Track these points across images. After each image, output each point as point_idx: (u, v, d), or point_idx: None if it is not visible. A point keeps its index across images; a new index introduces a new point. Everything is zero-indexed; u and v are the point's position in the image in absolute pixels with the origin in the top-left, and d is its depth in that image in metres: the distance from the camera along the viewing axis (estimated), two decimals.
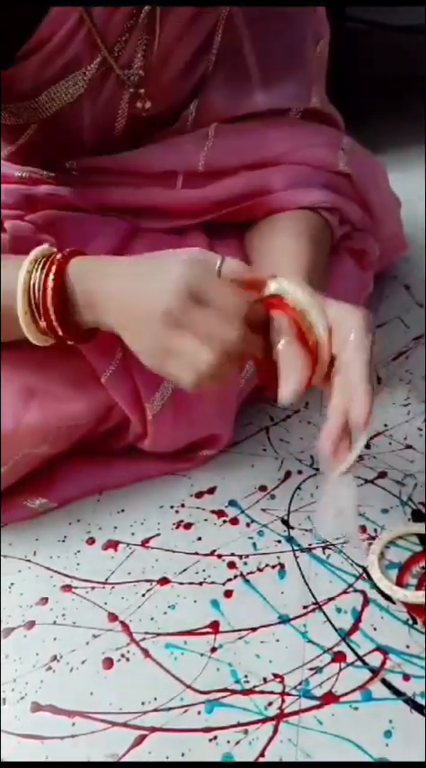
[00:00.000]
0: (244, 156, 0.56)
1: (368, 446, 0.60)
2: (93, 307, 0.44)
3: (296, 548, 0.52)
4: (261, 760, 0.42)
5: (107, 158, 0.55)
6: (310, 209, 0.57)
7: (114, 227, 0.56)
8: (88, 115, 0.52)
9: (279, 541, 0.53)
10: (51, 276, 0.43)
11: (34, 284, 0.43)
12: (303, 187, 0.57)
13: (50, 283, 0.43)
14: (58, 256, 0.44)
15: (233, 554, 0.53)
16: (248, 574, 0.51)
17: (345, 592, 0.49)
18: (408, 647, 0.46)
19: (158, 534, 0.55)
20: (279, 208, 0.57)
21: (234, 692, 0.45)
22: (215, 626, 0.49)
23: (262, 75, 0.55)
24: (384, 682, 0.44)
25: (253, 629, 0.48)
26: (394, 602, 0.48)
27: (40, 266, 0.44)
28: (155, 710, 0.45)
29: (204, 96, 0.56)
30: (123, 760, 0.43)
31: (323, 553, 0.52)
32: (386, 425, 0.61)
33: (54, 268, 0.43)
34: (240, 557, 0.52)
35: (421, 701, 0.43)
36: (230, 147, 0.55)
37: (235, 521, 0.55)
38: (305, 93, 0.58)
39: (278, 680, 0.45)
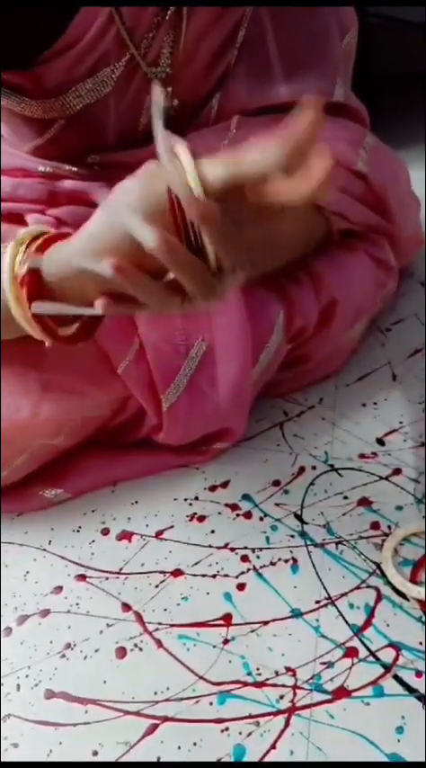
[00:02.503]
0: None
1: (382, 443, 0.60)
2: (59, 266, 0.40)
3: (309, 543, 0.53)
4: (272, 752, 0.42)
5: (129, 153, 0.55)
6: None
7: None
8: (114, 112, 0.52)
9: (293, 536, 0.53)
10: (26, 265, 0.40)
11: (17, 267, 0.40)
12: None
13: (23, 270, 0.40)
14: (36, 243, 0.41)
15: (246, 547, 0.53)
16: (261, 567, 0.51)
17: (358, 587, 0.49)
18: (421, 643, 0.46)
19: (172, 526, 0.55)
20: None
21: (246, 684, 0.45)
22: (227, 618, 0.49)
23: (285, 67, 0.55)
24: (396, 678, 0.44)
25: (266, 623, 0.48)
26: (407, 599, 0.48)
27: (25, 248, 0.41)
28: (168, 700, 0.45)
29: (227, 89, 0.55)
30: (135, 749, 0.43)
31: (337, 549, 0.52)
32: (401, 423, 0.61)
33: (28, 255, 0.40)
34: (253, 550, 0.53)
35: None
36: (252, 138, 0.55)
37: (248, 515, 0.55)
38: (328, 85, 0.57)
39: (290, 673, 0.45)
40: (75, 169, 0.56)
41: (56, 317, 0.41)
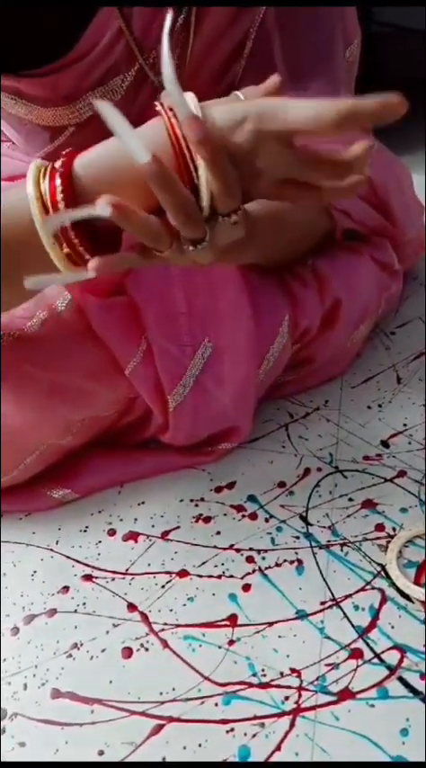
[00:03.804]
0: None
1: (387, 445, 0.60)
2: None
3: (314, 544, 0.53)
4: (277, 753, 0.42)
5: None
6: None
7: None
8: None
9: (298, 537, 0.53)
10: (58, 177, 0.38)
11: (44, 191, 0.38)
12: None
13: (58, 182, 0.37)
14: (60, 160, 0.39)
15: (251, 549, 0.53)
16: (266, 569, 0.52)
17: (363, 589, 0.49)
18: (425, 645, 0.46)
19: (178, 527, 0.56)
20: None
21: (251, 685, 0.46)
22: (233, 619, 0.49)
23: (291, 77, 0.55)
24: (401, 680, 0.45)
25: (271, 624, 0.48)
26: (412, 601, 0.48)
27: (44, 175, 0.39)
28: (173, 701, 0.45)
29: None
30: (141, 749, 0.43)
31: (342, 550, 0.52)
32: (405, 425, 0.61)
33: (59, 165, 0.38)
34: (258, 551, 0.53)
35: None
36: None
37: (253, 516, 0.56)
38: (332, 95, 0.57)
39: (295, 675, 0.46)
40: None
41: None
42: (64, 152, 0.39)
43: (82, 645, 0.49)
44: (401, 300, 0.73)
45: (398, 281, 0.69)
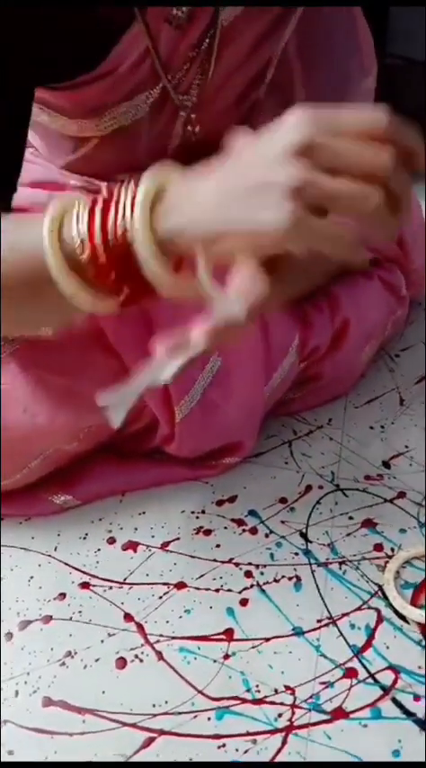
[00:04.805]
0: None
1: (388, 466, 0.60)
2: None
3: (313, 561, 0.53)
4: None
5: None
6: None
7: None
8: (145, 135, 0.54)
9: (297, 554, 0.53)
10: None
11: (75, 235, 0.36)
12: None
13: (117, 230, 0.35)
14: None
15: (250, 563, 0.53)
16: (264, 584, 0.52)
17: (360, 608, 0.49)
18: (420, 667, 0.46)
19: (178, 539, 0.56)
20: None
21: (244, 700, 0.45)
22: (229, 633, 0.49)
23: (310, 105, 0.57)
24: (394, 701, 0.44)
25: (267, 640, 0.48)
26: (408, 622, 0.48)
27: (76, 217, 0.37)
28: (166, 714, 0.45)
29: (254, 122, 0.57)
30: (131, 761, 0.43)
31: (340, 569, 0.52)
32: (406, 446, 0.62)
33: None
34: (257, 566, 0.53)
35: None
36: None
37: (254, 530, 0.56)
38: None
39: (289, 692, 0.45)
40: (105, 185, 0.58)
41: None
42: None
43: (76, 653, 0.49)
44: (406, 325, 0.74)
45: (404, 306, 0.70)
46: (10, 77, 0.44)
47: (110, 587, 0.53)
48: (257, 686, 0.46)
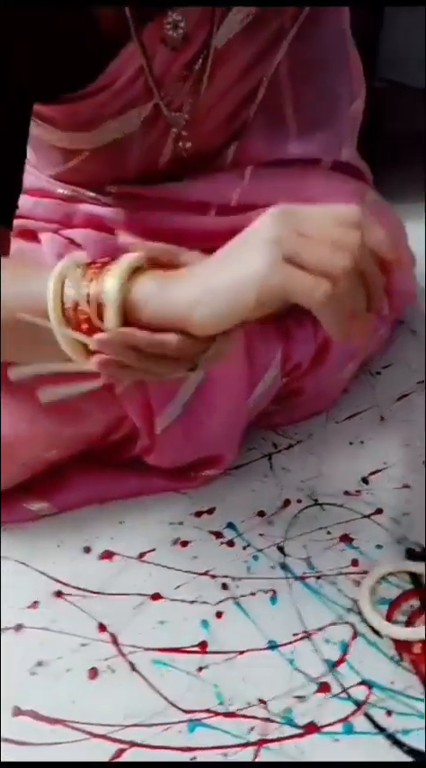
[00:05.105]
0: (275, 197, 0.58)
1: (367, 482, 0.61)
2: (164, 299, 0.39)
3: (289, 575, 0.53)
4: None
5: (147, 188, 0.58)
6: None
7: None
8: (136, 149, 0.55)
9: (274, 567, 0.53)
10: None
11: (78, 298, 0.39)
12: None
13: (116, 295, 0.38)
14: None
15: (227, 576, 0.53)
16: (240, 597, 0.52)
17: (335, 623, 0.49)
18: (393, 683, 0.46)
19: (154, 549, 0.55)
20: None
21: (217, 713, 0.45)
22: (203, 646, 0.49)
23: (299, 126, 0.59)
24: (366, 716, 0.44)
25: (241, 653, 0.48)
26: (382, 638, 0.48)
27: (79, 278, 0.40)
28: (137, 725, 0.45)
29: (244, 141, 0.59)
30: None
31: (316, 583, 0.52)
32: (385, 463, 0.62)
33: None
34: (233, 579, 0.53)
35: (402, 738, 0.43)
36: (263, 188, 0.58)
37: (231, 543, 0.56)
38: (336, 146, 0.61)
39: (262, 705, 0.45)
40: (92, 195, 0.58)
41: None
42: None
43: (47, 663, 0.48)
44: (388, 343, 0.75)
45: (386, 326, 0.71)
46: (9, 94, 0.44)
47: (85, 596, 0.52)
48: (230, 699, 0.46)
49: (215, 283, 0.38)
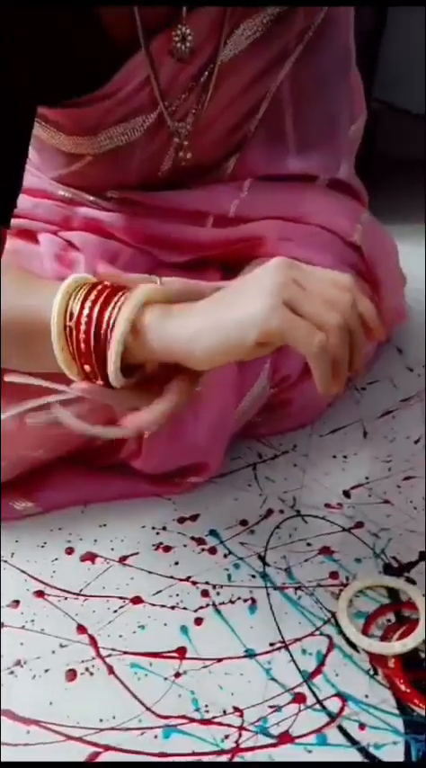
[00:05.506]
0: (271, 210, 0.60)
1: (348, 495, 0.62)
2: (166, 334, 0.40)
3: (269, 585, 0.54)
4: None
5: (147, 194, 0.58)
6: None
7: (143, 260, 0.58)
8: (138, 157, 0.55)
9: (254, 576, 0.54)
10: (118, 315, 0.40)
11: (83, 319, 0.40)
12: (315, 248, 0.60)
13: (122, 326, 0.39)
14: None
15: (207, 582, 0.54)
16: (220, 604, 0.52)
17: (312, 634, 0.50)
18: (367, 696, 0.47)
19: (137, 553, 0.56)
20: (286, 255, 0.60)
21: (192, 720, 0.45)
22: (181, 652, 0.49)
23: (298, 143, 0.60)
24: (340, 728, 0.45)
25: (219, 660, 0.49)
26: (358, 651, 0.49)
27: (82, 297, 0.40)
28: (112, 729, 0.45)
29: (243, 154, 0.60)
30: None
31: (295, 593, 0.53)
32: (367, 478, 0.63)
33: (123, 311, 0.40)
34: (214, 586, 0.53)
35: (374, 752, 0.44)
36: (260, 201, 0.59)
37: (213, 550, 0.56)
38: (334, 164, 0.62)
39: (237, 714, 0.46)
40: (92, 199, 0.59)
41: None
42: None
43: (25, 663, 0.48)
44: (374, 360, 0.77)
45: (372, 342, 0.72)
46: (14, 95, 0.44)
47: (66, 598, 0.52)
48: (206, 706, 0.46)
49: (217, 320, 0.39)
